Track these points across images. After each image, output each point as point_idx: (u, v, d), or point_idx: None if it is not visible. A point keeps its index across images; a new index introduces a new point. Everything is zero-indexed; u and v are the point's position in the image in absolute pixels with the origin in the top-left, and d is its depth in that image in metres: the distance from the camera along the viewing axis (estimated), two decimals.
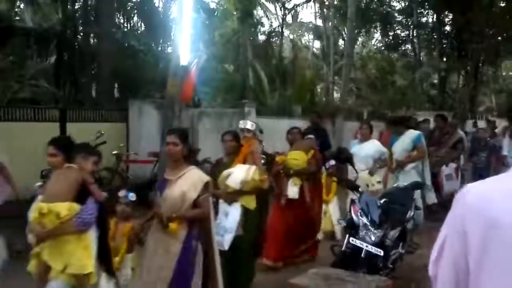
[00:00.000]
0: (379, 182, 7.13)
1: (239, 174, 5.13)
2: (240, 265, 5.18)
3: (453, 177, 9.16)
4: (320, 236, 7.21)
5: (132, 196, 4.50)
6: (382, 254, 4.99)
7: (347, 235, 5.16)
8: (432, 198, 8.17)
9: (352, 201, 5.47)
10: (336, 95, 23.35)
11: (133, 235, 4.34)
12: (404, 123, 8.00)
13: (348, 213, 5.42)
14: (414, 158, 7.56)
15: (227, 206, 5.19)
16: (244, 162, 5.33)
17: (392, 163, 7.64)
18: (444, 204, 9.09)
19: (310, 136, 8.04)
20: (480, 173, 9.58)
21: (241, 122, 6.12)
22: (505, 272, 1.20)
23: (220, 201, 5.26)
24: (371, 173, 7.23)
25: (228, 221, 5.09)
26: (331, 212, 7.70)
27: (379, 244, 5.03)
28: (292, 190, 6.28)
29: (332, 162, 7.97)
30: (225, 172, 5.17)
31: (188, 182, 4.03)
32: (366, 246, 4.98)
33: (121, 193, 4.53)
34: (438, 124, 9.75)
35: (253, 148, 5.54)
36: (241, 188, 5.10)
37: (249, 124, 5.92)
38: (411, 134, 7.68)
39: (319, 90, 23.54)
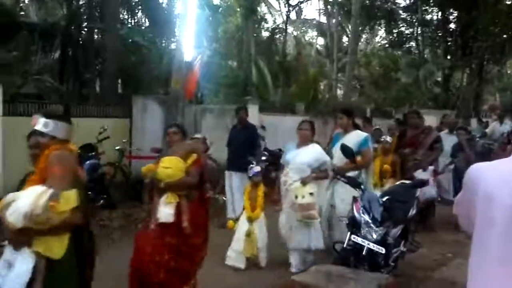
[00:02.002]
0: (311, 194, 5.81)
1: (24, 201, 3.00)
2: None
3: (430, 183, 7.84)
4: (241, 264, 6.08)
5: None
6: (383, 252, 4.99)
7: (349, 233, 5.17)
8: None
9: (355, 198, 5.46)
10: (339, 92, 23.34)
11: None
12: (354, 120, 6.49)
13: (350, 210, 5.43)
14: (359, 165, 6.08)
15: (12, 252, 3.13)
16: (42, 182, 3.19)
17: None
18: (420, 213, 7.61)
19: (196, 136, 6.56)
20: (460, 177, 8.80)
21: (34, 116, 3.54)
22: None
23: (5, 243, 3.24)
24: (304, 182, 5.85)
25: (10, 278, 3.05)
26: (257, 233, 6.17)
27: (380, 242, 5.04)
28: (164, 212, 4.57)
29: (257, 168, 6.50)
30: (9, 197, 3.11)
31: None
32: (368, 244, 4.98)
33: None
34: (413, 121, 8.31)
35: (52, 159, 3.23)
36: (27, 225, 2.98)
37: (40, 123, 3.44)
38: (356, 135, 6.25)
39: (322, 87, 23.53)
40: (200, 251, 4.86)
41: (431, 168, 8.07)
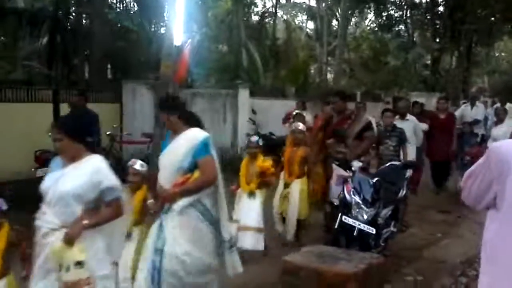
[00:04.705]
0: (79, 264, 3.11)
1: None
2: None
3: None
4: None
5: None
6: (374, 232, 5.08)
7: (340, 214, 5.23)
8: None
9: (345, 180, 5.51)
10: (329, 75, 23.36)
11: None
12: (181, 109, 4.08)
13: (341, 192, 5.48)
14: (193, 185, 3.79)
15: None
16: None
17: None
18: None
19: None
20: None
21: None
22: None
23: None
24: (70, 241, 3.13)
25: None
26: None
27: (371, 222, 5.12)
28: None
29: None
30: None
31: None
32: (359, 225, 5.06)
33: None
34: (337, 106, 6.54)
35: None
36: None
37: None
38: (192, 137, 3.86)
39: (312, 70, 23.53)
40: None
41: (357, 163, 5.84)
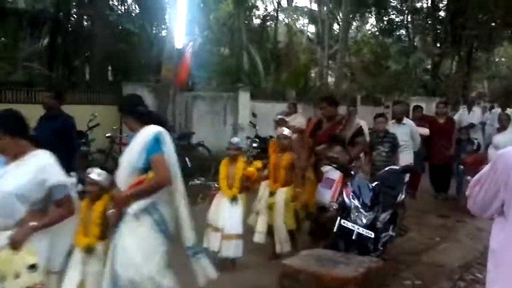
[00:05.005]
0: (32, 267, 2.97)
1: None
2: None
3: (334, 185, 5.82)
4: None
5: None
6: (372, 236, 5.07)
7: (339, 218, 5.22)
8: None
9: (345, 184, 5.50)
10: (330, 79, 23.36)
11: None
12: (138, 109, 3.78)
13: (340, 196, 5.47)
14: (147, 186, 3.50)
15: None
16: None
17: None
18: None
19: None
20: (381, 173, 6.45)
21: None
22: None
23: None
24: (15, 245, 2.98)
25: None
26: None
27: (370, 226, 5.11)
28: None
29: None
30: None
31: None
32: (358, 229, 5.06)
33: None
34: (325, 111, 6.38)
35: None
36: None
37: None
38: (144, 133, 3.61)
39: (313, 74, 23.55)
40: None
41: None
